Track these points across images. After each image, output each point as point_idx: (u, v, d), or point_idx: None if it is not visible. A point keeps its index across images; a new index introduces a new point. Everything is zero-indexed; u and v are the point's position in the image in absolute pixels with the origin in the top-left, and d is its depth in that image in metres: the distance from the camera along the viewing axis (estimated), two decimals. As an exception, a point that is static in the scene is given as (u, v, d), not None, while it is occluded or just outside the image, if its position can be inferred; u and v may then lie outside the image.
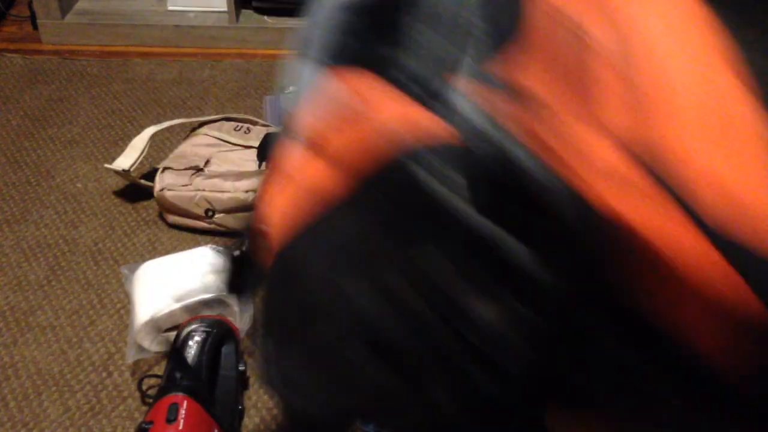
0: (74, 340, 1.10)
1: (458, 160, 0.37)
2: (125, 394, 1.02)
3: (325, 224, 0.42)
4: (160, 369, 1.03)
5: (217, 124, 1.41)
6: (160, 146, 1.48)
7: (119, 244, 1.27)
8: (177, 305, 1.02)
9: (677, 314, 0.34)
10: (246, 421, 0.99)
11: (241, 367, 1.00)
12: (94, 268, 1.23)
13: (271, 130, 1.38)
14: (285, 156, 0.46)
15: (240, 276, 0.59)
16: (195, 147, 1.35)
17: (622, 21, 0.35)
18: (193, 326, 0.99)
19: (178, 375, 0.92)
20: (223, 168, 1.31)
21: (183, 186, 1.26)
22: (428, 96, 0.39)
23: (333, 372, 0.44)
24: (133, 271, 1.10)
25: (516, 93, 0.36)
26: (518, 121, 0.35)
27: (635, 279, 0.34)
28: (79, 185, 1.40)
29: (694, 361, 0.35)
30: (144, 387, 1.01)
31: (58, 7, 1.81)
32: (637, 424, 0.40)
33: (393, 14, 0.42)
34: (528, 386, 0.40)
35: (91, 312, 1.15)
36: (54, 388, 1.03)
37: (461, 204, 0.37)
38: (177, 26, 1.82)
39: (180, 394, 0.90)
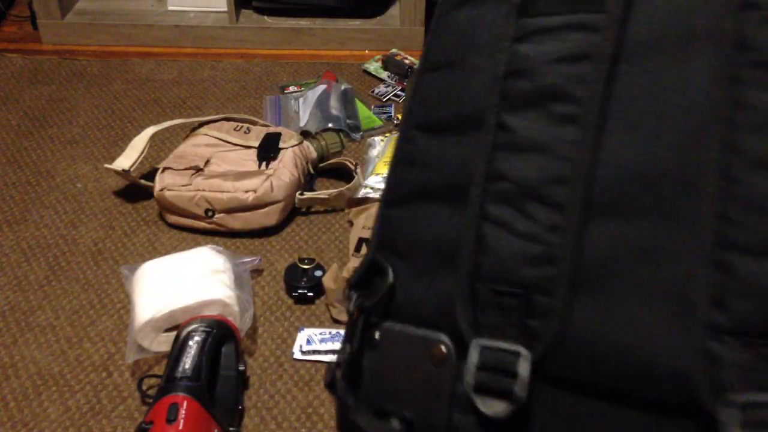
0: (74, 340, 1.10)
1: None
2: (125, 394, 1.02)
3: None
4: (160, 369, 1.03)
5: (217, 124, 1.41)
6: (160, 146, 1.48)
7: (119, 244, 1.27)
8: (177, 305, 1.02)
9: None
10: (246, 421, 0.99)
11: (241, 367, 1.00)
12: (94, 268, 1.23)
13: (271, 130, 1.38)
14: None
15: None
16: (195, 147, 1.35)
17: None
18: (193, 326, 0.99)
19: (178, 375, 0.92)
20: (223, 168, 1.31)
21: (183, 186, 1.26)
22: None
23: None
24: (133, 271, 1.10)
25: None
26: None
27: None
28: (79, 185, 1.40)
29: None
30: (144, 387, 1.01)
31: (58, 7, 1.81)
32: None
33: None
34: None
35: (91, 312, 1.15)
36: (54, 388, 1.03)
37: None
38: (177, 26, 1.82)
39: (180, 394, 0.90)
